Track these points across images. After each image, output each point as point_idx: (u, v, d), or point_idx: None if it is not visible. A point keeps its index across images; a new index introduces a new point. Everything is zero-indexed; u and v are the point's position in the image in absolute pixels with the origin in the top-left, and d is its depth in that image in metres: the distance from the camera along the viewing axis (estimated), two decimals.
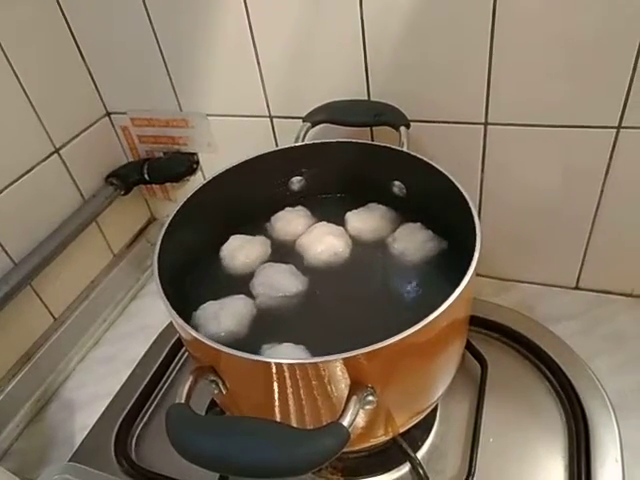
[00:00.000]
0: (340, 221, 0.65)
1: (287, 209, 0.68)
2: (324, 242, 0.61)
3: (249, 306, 0.57)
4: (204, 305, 0.56)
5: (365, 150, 0.63)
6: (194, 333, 0.43)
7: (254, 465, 0.35)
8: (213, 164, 0.61)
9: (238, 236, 0.64)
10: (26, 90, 0.72)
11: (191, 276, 0.61)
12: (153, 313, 0.86)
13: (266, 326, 0.55)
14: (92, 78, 0.83)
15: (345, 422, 0.37)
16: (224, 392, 0.46)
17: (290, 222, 0.66)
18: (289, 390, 0.42)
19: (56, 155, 0.78)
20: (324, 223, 0.65)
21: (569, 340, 0.70)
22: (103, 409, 0.72)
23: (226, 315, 0.54)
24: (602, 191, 0.68)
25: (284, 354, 0.49)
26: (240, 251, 0.63)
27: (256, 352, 0.49)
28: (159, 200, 0.96)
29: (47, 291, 0.78)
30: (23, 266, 0.72)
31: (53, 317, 0.80)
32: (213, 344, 0.42)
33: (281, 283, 0.58)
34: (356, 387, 0.41)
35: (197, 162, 0.88)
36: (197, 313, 0.56)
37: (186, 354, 0.78)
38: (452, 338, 0.50)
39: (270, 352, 0.49)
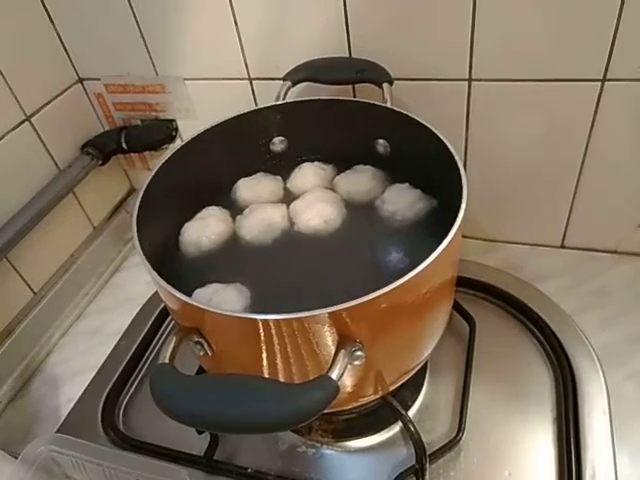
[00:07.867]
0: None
1: (316, 163, 0.66)
2: (315, 209, 0.59)
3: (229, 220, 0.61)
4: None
5: (348, 107, 0.62)
6: (178, 294, 0.42)
7: (242, 420, 0.34)
8: (192, 130, 0.59)
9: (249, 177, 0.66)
10: None
11: (174, 241, 0.59)
12: (136, 286, 0.85)
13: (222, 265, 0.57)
14: (61, 42, 0.79)
15: (334, 375, 0.37)
16: (209, 354, 0.45)
17: (305, 177, 0.65)
18: (276, 347, 0.41)
19: (27, 123, 0.75)
20: (319, 189, 0.63)
21: (555, 297, 0.71)
22: (88, 381, 0.71)
23: (214, 222, 0.60)
24: (587, 146, 0.67)
25: (222, 298, 0.50)
26: (256, 188, 0.64)
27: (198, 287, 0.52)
28: (138, 170, 0.94)
29: (25, 265, 0.76)
30: None
31: (33, 291, 0.78)
32: (197, 304, 0.41)
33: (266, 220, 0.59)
34: (344, 341, 0.40)
35: (176, 129, 0.85)
36: (182, 237, 0.60)
37: (171, 324, 0.77)
38: (439, 296, 0.49)
39: (203, 293, 0.51)
